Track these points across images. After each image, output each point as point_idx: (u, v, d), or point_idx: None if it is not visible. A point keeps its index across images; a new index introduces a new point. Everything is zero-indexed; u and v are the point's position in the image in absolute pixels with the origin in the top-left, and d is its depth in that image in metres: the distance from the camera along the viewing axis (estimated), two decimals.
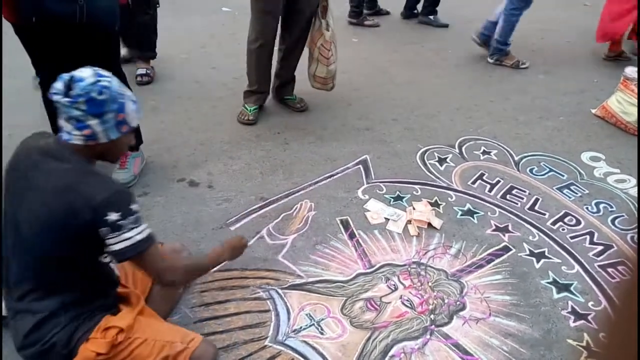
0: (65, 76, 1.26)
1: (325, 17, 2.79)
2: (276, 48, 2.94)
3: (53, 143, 1.31)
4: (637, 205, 2.46)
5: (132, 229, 1.24)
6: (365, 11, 4.83)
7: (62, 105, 1.24)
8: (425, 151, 2.80)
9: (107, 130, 1.28)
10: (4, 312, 1.45)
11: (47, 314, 1.27)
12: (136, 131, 2.25)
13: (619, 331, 0.47)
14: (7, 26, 1.96)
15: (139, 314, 1.41)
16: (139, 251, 1.27)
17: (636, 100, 3.11)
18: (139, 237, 1.26)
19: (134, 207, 1.26)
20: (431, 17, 4.86)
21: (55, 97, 1.24)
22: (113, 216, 1.20)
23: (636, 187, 2.61)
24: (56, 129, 2.22)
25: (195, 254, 1.90)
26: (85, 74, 1.25)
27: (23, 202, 1.27)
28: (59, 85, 1.25)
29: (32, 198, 1.25)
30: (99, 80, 1.25)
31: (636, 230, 2.27)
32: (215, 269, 1.90)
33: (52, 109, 2.18)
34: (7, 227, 1.32)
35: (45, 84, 2.14)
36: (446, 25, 4.81)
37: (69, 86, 1.24)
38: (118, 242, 1.23)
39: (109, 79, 1.28)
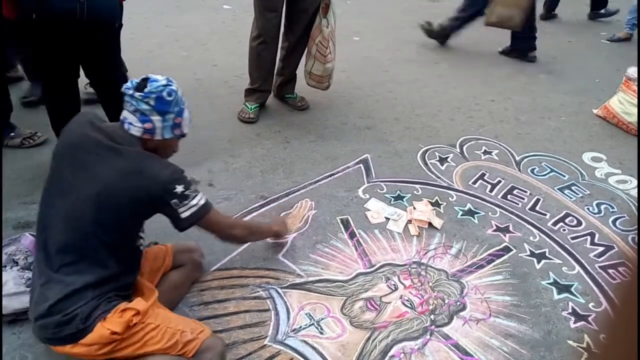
0: (144, 77, 1.44)
1: (326, 15, 2.78)
2: (279, 46, 2.93)
3: (118, 129, 1.42)
4: (638, 206, 2.45)
5: (195, 197, 1.43)
6: None
7: (132, 99, 1.39)
8: (426, 150, 2.79)
9: (164, 128, 1.44)
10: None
11: (78, 287, 1.32)
12: None
13: (618, 332, 0.47)
14: None
15: (153, 305, 1.46)
16: (205, 212, 1.46)
17: (638, 101, 3.10)
18: (202, 202, 1.46)
19: (190, 180, 1.45)
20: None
21: (129, 91, 1.39)
22: (179, 188, 1.38)
23: (637, 188, 2.60)
24: (59, 126, 2.23)
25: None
26: (159, 77, 1.44)
27: (91, 176, 1.34)
28: (133, 82, 1.41)
29: (103, 174, 1.34)
30: (170, 85, 1.43)
31: (637, 231, 2.26)
32: (214, 267, 1.91)
33: (54, 107, 2.19)
34: (57, 195, 1.38)
35: (45, 82, 2.13)
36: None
37: (143, 84, 1.40)
38: (187, 209, 1.41)
39: (177, 86, 1.46)
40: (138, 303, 1.39)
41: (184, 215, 1.42)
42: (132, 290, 1.50)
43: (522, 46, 4.14)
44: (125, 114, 1.42)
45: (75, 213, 1.34)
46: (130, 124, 1.41)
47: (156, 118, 1.41)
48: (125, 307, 1.36)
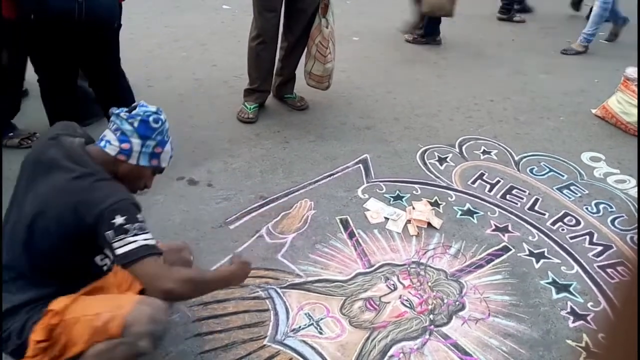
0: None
1: (325, 15, 2.79)
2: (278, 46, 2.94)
3: (77, 146, 1.35)
4: (637, 206, 2.46)
5: (138, 234, 1.24)
6: (516, 6, 5.14)
7: (117, 118, 1.37)
8: (426, 150, 2.79)
9: (142, 154, 1.37)
10: None
11: (15, 305, 1.27)
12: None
13: (619, 332, 0.47)
14: None
15: (78, 298, 1.32)
16: (141, 255, 1.23)
17: (637, 101, 3.11)
18: (142, 243, 1.24)
19: (139, 216, 1.27)
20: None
21: (117, 111, 1.37)
22: (119, 220, 1.22)
23: (636, 188, 2.61)
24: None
25: (195, 253, 1.90)
26: (151, 107, 1.42)
27: (34, 197, 1.30)
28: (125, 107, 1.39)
29: (43, 195, 1.28)
30: (159, 113, 1.40)
31: (636, 230, 2.26)
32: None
33: (52, 107, 2.19)
34: (12, 210, 1.35)
35: (43, 82, 2.13)
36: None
37: (132, 108, 1.38)
38: (124, 246, 1.22)
39: (165, 118, 1.43)
40: (56, 302, 1.27)
41: (119, 251, 1.22)
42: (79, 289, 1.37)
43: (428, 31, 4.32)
44: (106, 132, 1.39)
45: (13, 233, 1.30)
46: (108, 141, 1.36)
47: (136, 141, 1.35)
48: (47, 310, 1.26)
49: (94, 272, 1.39)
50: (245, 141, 2.75)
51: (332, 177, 2.51)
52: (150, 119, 1.37)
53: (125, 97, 2.30)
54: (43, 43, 1.94)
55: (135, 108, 1.39)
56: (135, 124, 1.35)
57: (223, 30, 4.35)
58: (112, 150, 1.35)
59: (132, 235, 1.23)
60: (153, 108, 1.41)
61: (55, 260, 1.31)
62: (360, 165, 2.62)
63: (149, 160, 1.39)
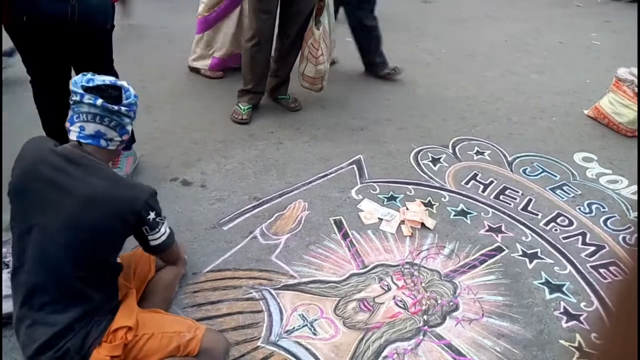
0: (105, 82, 1.34)
1: (320, 16, 2.78)
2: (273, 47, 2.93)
3: (74, 149, 1.33)
4: (638, 210, 2.47)
5: (163, 224, 1.40)
6: None
7: (115, 114, 1.33)
8: (419, 151, 2.80)
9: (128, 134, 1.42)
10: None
11: (64, 325, 1.26)
12: None
13: (616, 333, 0.47)
14: None
15: (138, 313, 1.43)
16: (171, 243, 1.44)
17: (628, 102, 3.13)
18: (169, 231, 1.43)
19: (159, 206, 1.40)
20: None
21: (108, 106, 1.31)
22: (152, 215, 1.34)
23: (627, 188, 2.63)
24: (49, 127, 2.21)
25: (189, 254, 1.89)
26: (123, 82, 1.38)
27: (55, 210, 1.25)
28: (98, 92, 1.32)
29: (68, 206, 1.24)
30: (130, 89, 1.39)
31: (628, 231, 2.28)
32: (207, 269, 1.90)
33: (44, 108, 2.17)
34: (26, 237, 1.28)
35: (35, 83, 2.11)
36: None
37: (117, 94, 1.35)
38: (157, 238, 1.39)
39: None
40: (127, 318, 1.34)
41: (153, 243, 1.40)
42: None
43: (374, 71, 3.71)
44: (100, 129, 1.33)
45: (45, 252, 1.25)
46: (110, 140, 1.35)
47: (129, 127, 1.41)
48: (117, 327, 1.31)
49: (118, 271, 1.44)
50: (238, 142, 2.75)
51: (325, 177, 2.51)
52: (137, 100, 1.41)
53: None
54: (35, 44, 1.93)
55: (120, 92, 1.35)
56: (132, 114, 1.40)
57: None
58: (114, 146, 1.38)
59: (162, 226, 1.39)
60: (127, 85, 1.39)
61: (96, 268, 1.33)
62: (354, 166, 2.62)
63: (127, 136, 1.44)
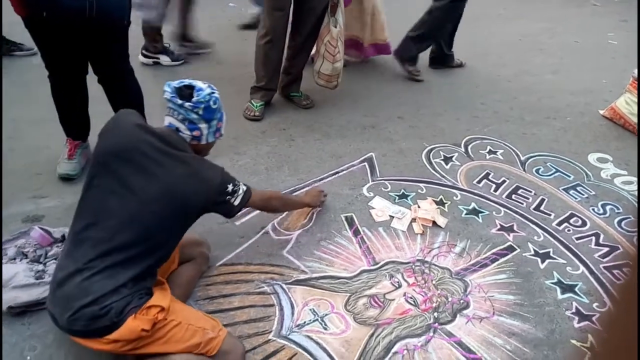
0: (184, 83, 1.52)
1: (334, 14, 2.79)
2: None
3: (172, 133, 1.50)
4: (638, 205, 2.45)
5: (239, 186, 1.58)
6: None
7: (182, 108, 1.48)
8: (431, 150, 2.79)
9: (209, 134, 1.56)
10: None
11: (122, 283, 1.33)
12: (87, 122, 2.33)
13: (619, 330, 0.48)
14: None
15: (171, 299, 1.47)
16: (249, 196, 1.61)
17: (637, 99, 3.09)
18: (245, 188, 1.61)
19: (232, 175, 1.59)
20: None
21: (177, 101, 1.47)
22: (230, 187, 1.53)
23: (637, 187, 2.60)
24: (66, 120, 2.25)
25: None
26: (203, 85, 1.53)
27: (152, 179, 1.39)
28: (171, 86, 1.49)
29: (164, 178, 1.40)
30: (214, 92, 1.53)
31: (637, 231, 2.26)
32: (220, 262, 1.92)
33: (62, 102, 2.21)
34: (110, 194, 1.38)
35: (53, 78, 2.15)
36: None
37: (188, 92, 1.50)
38: (237, 198, 1.56)
39: (218, 93, 1.54)
40: (161, 299, 1.40)
41: (236, 202, 1.56)
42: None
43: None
44: (172, 121, 1.51)
45: (139, 214, 1.36)
46: (179, 131, 1.51)
47: (203, 125, 1.52)
48: (151, 304, 1.36)
49: (173, 248, 1.55)
50: (251, 138, 2.77)
51: (337, 174, 2.52)
52: (211, 102, 1.50)
53: (133, 95, 2.31)
54: (54, 40, 1.96)
55: (191, 91, 1.50)
56: (201, 112, 1.49)
57: (229, 28, 4.37)
58: (185, 137, 1.52)
59: (239, 189, 1.57)
60: (207, 88, 1.52)
61: (175, 235, 1.49)
62: (366, 163, 2.62)
63: (214, 135, 1.59)
